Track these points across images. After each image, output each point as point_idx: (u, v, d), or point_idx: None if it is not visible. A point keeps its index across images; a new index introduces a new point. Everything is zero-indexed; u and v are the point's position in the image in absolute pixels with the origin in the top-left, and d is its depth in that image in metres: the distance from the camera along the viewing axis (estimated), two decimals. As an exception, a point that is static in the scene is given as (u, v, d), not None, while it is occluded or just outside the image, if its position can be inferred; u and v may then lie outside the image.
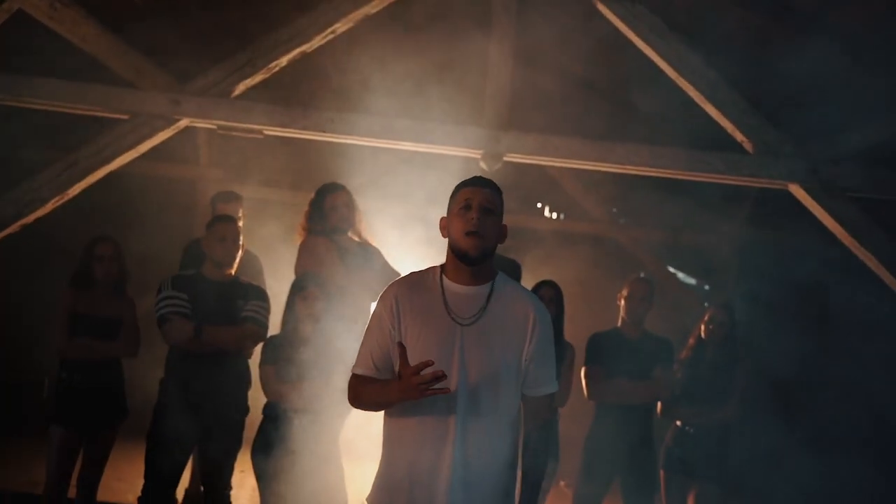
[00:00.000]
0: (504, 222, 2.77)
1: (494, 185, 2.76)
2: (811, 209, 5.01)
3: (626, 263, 9.50)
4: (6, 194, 4.79)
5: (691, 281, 11.21)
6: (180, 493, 4.78)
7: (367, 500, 2.76)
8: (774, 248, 8.01)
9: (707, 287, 10.33)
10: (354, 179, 5.09)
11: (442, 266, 2.79)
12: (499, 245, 2.78)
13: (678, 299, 9.11)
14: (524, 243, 8.34)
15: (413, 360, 2.57)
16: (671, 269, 11.35)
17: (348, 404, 2.80)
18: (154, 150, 5.13)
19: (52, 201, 4.80)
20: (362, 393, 2.70)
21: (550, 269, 7.75)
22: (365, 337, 2.76)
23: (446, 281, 2.74)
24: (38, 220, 4.87)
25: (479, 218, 2.64)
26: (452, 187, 2.76)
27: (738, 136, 4.92)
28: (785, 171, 4.88)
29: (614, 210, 10.81)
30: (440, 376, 2.46)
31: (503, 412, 2.68)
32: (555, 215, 11.41)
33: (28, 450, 5.02)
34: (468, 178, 2.78)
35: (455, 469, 2.61)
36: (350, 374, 2.78)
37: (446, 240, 2.74)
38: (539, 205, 11.30)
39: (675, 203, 7.72)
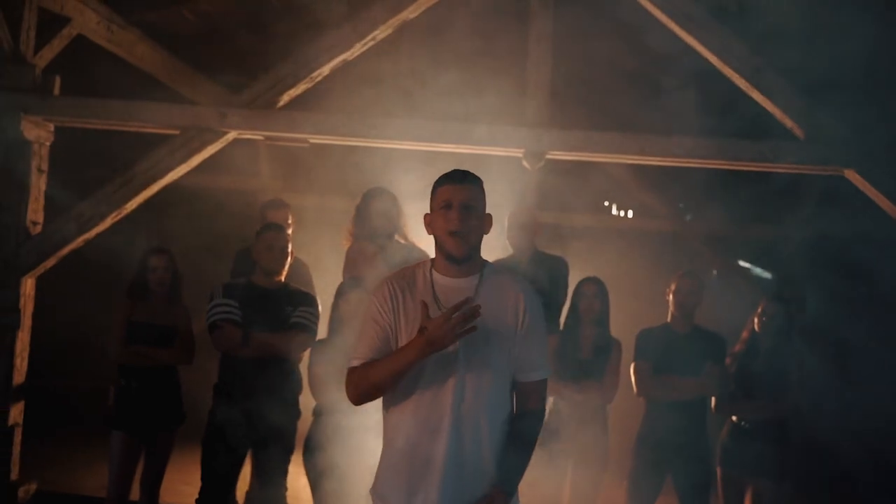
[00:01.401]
0: (487, 213, 2.76)
1: (474, 177, 2.75)
2: (869, 194, 4.84)
3: (693, 259, 9.35)
4: (69, 212, 5.03)
5: (767, 275, 10.94)
6: (241, 494, 4.91)
7: (370, 491, 2.83)
8: (845, 236, 7.76)
9: (774, 278, 10.05)
10: (404, 184, 5.14)
11: (432, 260, 2.82)
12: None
13: (755, 295, 8.84)
14: (592, 242, 8.28)
15: None
16: (743, 264, 11.11)
17: None
18: (215, 162, 5.32)
19: (111, 216, 5.03)
20: (369, 373, 2.67)
21: (619, 268, 7.70)
22: (362, 332, 2.78)
23: (436, 275, 2.77)
24: (100, 234, 5.11)
25: (460, 218, 2.66)
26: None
27: (788, 123, 4.80)
28: (838, 156, 4.73)
29: (681, 206, 10.65)
30: (474, 313, 2.51)
31: (497, 400, 2.72)
32: (622, 213, 11.32)
33: (95, 455, 5.24)
34: (446, 172, 2.77)
35: (449, 460, 2.65)
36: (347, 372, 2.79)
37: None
38: (606, 203, 11.21)
39: (742, 196, 7.56)
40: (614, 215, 11.09)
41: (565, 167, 6.55)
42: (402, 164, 5.29)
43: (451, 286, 2.73)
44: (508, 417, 2.78)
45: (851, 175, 4.79)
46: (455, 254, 2.69)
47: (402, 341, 2.70)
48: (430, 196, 2.78)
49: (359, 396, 2.75)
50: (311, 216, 7.25)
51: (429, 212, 2.78)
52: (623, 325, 4.88)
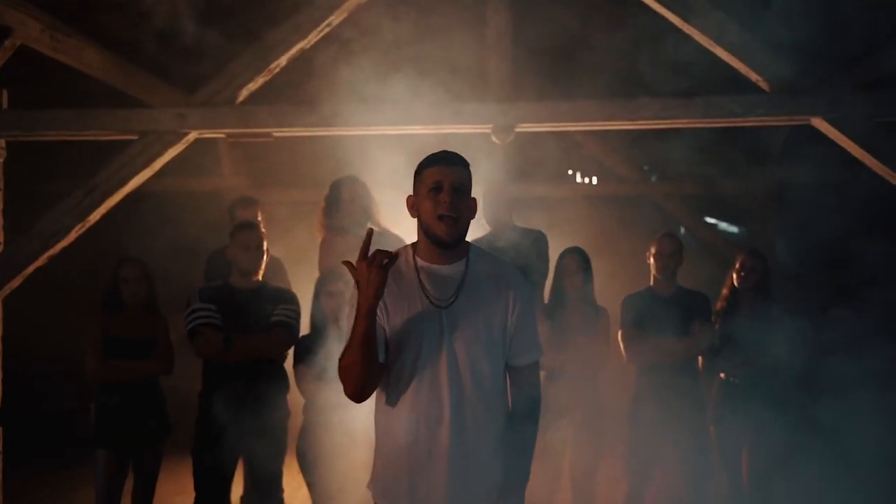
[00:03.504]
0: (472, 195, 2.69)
1: (463, 159, 2.66)
2: (839, 142, 4.84)
3: (663, 221, 9.39)
4: (31, 229, 4.87)
5: (733, 229, 11.03)
6: (236, 499, 4.83)
7: (367, 486, 2.78)
8: (813, 186, 7.84)
9: (742, 231, 10.14)
10: (374, 170, 5.05)
11: (414, 245, 2.71)
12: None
13: (723, 251, 8.90)
14: (556, 212, 8.26)
15: (396, 347, 2.60)
16: (710, 220, 11.19)
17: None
18: (176, 164, 5.18)
19: (75, 230, 4.86)
20: (342, 360, 2.59)
21: (584, 235, 7.70)
22: (350, 325, 2.65)
23: (420, 262, 2.67)
24: (67, 248, 4.95)
25: (451, 201, 2.56)
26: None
27: (753, 77, 4.77)
28: (805, 106, 4.71)
29: (645, 168, 10.67)
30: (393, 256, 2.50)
31: (494, 387, 2.66)
32: (586, 180, 11.31)
33: (82, 477, 5.12)
34: (434, 153, 2.66)
35: (452, 450, 2.59)
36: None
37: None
38: (570, 171, 11.19)
39: (706, 153, 7.58)
40: (579, 183, 11.10)
41: (527, 138, 6.52)
42: (372, 151, 5.21)
43: (437, 273, 2.65)
44: (506, 402, 2.73)
45: (819, 123, 4.79)
46: (445, 238, 2.58)
47: (395, 330, 2.62)
48: (413, 178, 2.66)
49: (353, 389, 2.63)
50: (282, 211, 7.13)
51: (412, 195, 2.66)
52: (600, 291, 4.85)
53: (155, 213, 6.80)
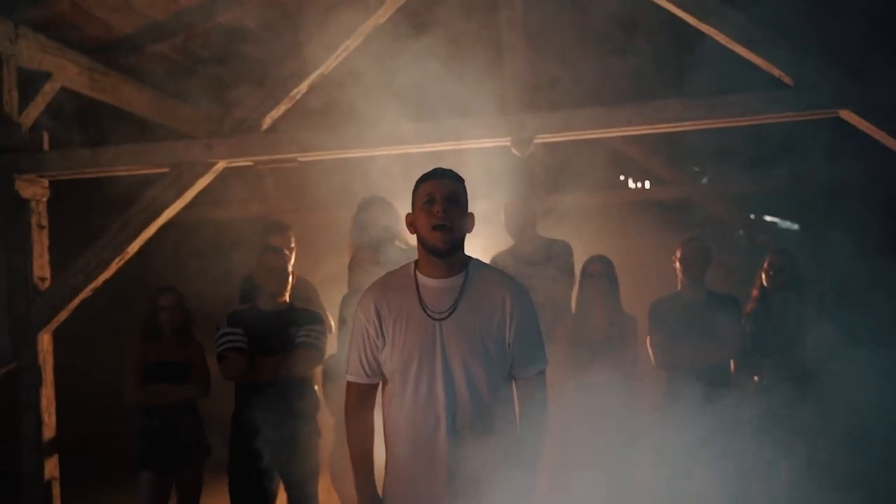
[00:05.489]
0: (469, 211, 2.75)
1: (455, 174, 2.75)
2: (870, 133, 4.71)
3: (715, 222, 9.22)
4: (74, 263, 5.08)
5: (794, 226, 10.73)
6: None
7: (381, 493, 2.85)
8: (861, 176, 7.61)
9: (799, 229, 9.86)
10: (402, 189, 5.11)
11: (416, 262, 2.79)
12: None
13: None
14: (607, 220, 8.20)
15: (395, 361, 2.67)
16: (769, 219, 10.93)
17: None
18: (225, 192, 5.33)
19: (115, 262, 5.06)
20: (352, 449, 2.81)
21: (629, 241, 7.62)
22: (351, 344, 2.80)
23: (420, 276, 2.75)
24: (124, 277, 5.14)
25: (443, 210, 2.64)
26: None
27: (775, 72, 4.68)
28: (831, 98, 4.60)
29: (696, 170, 10.49)
30: None
31: (492, 399, 2.69)
32: (639, 185, 11.19)
33: (129, 498, 5.29)
34: (428, 171, 2.77)
35: (451, 458, 2.64)
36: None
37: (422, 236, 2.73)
38: (622, 177, 11.08)
39: (751, 150, 7.42)
40: (631, 188, 10.98)
41: (575, 149, 6.50)
42: (398, 169, 5.27)
43: (436, 287, 2.72)
44: (511, 414, 2.76)
45: (848, 115, 4.67)
46: (440, 246, 2.65)
47: (389, 347, 2.70)
48: (411, 196, 2.77)
49: (347, 422, 2.84)
50: (318, 235, 7.24)
51: (410, 213, 2.77)
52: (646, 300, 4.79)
53: (196, 240, 6.98)
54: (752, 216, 10.29)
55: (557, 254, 4.78)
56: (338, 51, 4.92)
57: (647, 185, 10.99)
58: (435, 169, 2.76)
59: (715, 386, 4.41)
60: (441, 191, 2.66)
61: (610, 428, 4.49)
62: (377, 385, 2.84)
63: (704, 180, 10.36)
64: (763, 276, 4.53)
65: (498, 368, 2.70)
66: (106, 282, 5.12)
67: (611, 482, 4.55)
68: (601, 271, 4.56)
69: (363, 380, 2.78)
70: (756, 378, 4.50)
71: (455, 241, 2.69)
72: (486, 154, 4.86)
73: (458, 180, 2.74)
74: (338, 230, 7.07)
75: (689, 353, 4.42)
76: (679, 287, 4.64)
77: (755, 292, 4.58)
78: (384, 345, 2.71)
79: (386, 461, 2.80)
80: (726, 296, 4.57)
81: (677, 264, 4.61)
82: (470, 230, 2.77)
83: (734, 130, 5.48)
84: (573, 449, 4.26)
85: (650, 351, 4.55)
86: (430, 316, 2.67)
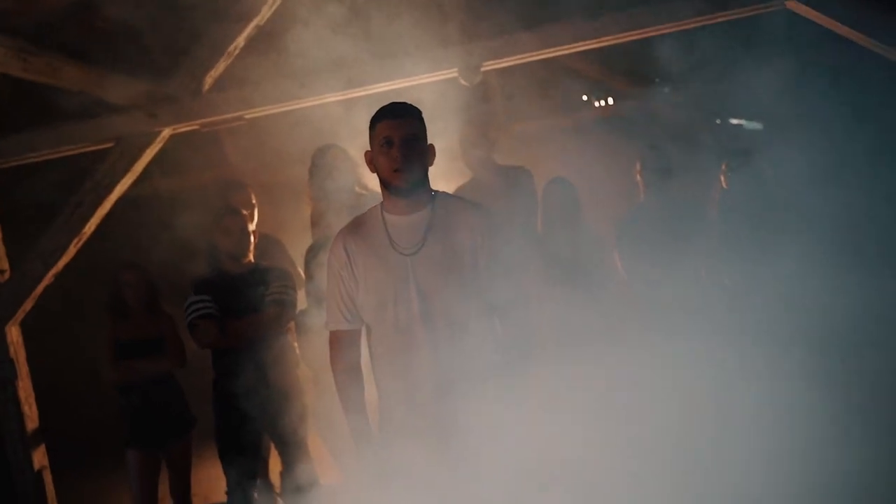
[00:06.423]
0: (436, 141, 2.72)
1: (411, 109, 2.72)
2: (819, 22, 4.64)
3: (680, 131, 9.15)
4: (31, 251, 4.97)
5: (758, 126, 10.71)
6: (276, 476, 4.93)
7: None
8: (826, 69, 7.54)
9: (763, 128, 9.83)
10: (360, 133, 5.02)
11: (382, 202, 2.79)
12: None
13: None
14: (573, 141, 8.11)
15: (369, 300, 2.67)
16: (734, 121, 10.88)
17: None
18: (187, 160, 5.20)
19: (73, 244, 4.95)
20: (343, 400, 2.81)
21: (595, 160, 7.55)
22: (328, 292, 2.82)
23: (386, 215, 2.75)
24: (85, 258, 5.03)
25: (402, 153, 2.62)
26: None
27: (717, -30, 4.58)
28: (776, -9, 4.53)
29: (657, 80, 10.37)
30: None
31: (471, 328, 2.70)
32: (602, 103, 11.08)
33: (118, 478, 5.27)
34: (383, 107, 2.72)
35: (434, 391, 2.69)
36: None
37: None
38: (585, 97, 10.96)
39: (711, 54, 7.32)
40: (596, 107, 10.87)
41: (531, 73, 6.39)
42: (350, 115, 5.17)
43: (403, 223, 2.72)
44: (489, 339, 2.77)
45: (795, 6, 4.60)
46: (403, 185, 2.66)
47: (362, 291, 2.71)
48: (368, 133, 2.73)
49: (334, 372, 2.86)
50: (284, 192, 7.13)
51: (369, 150, 2.74)
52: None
53: (160, 212, 6.87)
54: (718, 121, 10.24)
55: (519, 181, 4.73)
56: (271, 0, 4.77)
57: (611, 101, 10.89)
58: (391, 105, 2.72)
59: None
60: (399, 133, 2.63)
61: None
62: (359, 331, 2.84)
63: (666, 90, 10.28)
64: (721, 178, 4.50)
65: (473, 297, 2.71)
66: (67, 265, 5.02)
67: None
68: (560, 192, 4.52)
69: (344, 325, 2.79)
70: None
71: (416, 179, 2.68)
72: (438, 88, 4.75)
73: (414, 117, 2.70)
74: (302, 184, 7.03)
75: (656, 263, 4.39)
76: (641, 199, 4.61)
77: (715, 195, 4.56)
78: (359, 287, 2.72)
79: (378, 401, 2.85)
80: (688, 203, 4.55)
81: (637, 176, 4.57)
82: (431, 163, 2.78)
83: (690, 36, 5.40)
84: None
85: (619, 266, 4.53)
86: (399, 252, 2.69)
